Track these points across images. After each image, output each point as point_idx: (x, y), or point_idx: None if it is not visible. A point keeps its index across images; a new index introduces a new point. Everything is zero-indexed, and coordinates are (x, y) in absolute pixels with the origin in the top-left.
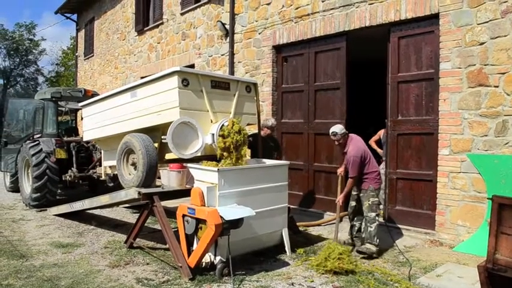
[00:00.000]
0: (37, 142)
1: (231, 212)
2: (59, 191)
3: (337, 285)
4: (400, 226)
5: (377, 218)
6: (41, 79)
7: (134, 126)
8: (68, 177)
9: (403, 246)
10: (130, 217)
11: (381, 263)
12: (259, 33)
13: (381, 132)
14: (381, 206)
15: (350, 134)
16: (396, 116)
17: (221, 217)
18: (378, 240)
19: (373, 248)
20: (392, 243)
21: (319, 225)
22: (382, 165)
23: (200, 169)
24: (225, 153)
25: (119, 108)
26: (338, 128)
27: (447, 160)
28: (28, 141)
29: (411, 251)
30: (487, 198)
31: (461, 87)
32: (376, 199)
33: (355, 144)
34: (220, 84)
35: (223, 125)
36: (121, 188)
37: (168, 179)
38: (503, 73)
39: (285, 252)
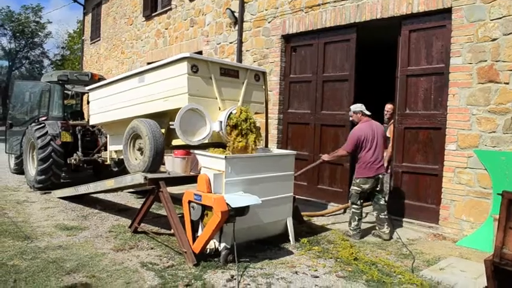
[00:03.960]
0: (43, 125)
1: (238, 199)
2: (63, 174)
3: (340, 275)
4: (404, 219)
5: (353, 206)
6: (46, 62)
7: (141, 112)
8: (73, 160)
9: (406, 239)
10: (135, 202)
11: (384, 255)
12: (269, 22)
13: (392, 128)
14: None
15: (367, 118)
16: (404, 110)
17: (227, 204)
18: (354, 227)
19: (350, 232)
20: (396, 236)
21: (322, 215)
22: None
23: (208, 156)
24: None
25: (126, 93)
26: (353, 106)
27: (454, 155)
28: (33, 124)
29: (414, 243)
30: (497, 194)
31: (471, 82)
32: (354, 188)
33: (359, 125)
34: (229, 72)
35: (231, 112)
36: (125, 173)
37: (173, 165)
38: None
39: (289, 241)
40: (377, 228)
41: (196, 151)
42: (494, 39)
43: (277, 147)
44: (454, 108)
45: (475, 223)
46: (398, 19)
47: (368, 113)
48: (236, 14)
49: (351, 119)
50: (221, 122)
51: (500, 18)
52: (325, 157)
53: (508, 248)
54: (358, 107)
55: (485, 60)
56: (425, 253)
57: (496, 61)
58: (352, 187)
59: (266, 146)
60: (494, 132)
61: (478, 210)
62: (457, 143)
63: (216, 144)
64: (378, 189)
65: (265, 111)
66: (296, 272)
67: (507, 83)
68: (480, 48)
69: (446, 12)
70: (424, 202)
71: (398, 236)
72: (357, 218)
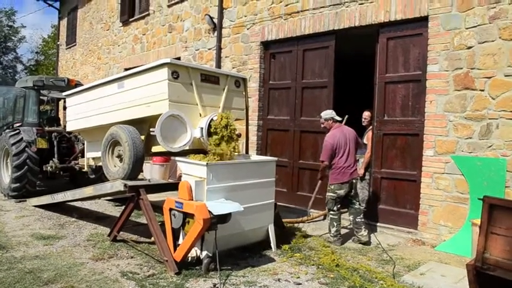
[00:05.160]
0: (17, 131)
1: (220, 206)
2: (39, 181)
3: (323, 282)
4: (383, 225)
5: (331, 212)
6: (19, 67)
7: (120, 118)
8: (49, 167)
9: (386, 244)
10: (113, 210)
11: (365, 261)
12: (248, 29)
13: (370, 134)
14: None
15: (339, 124)
16: (382, 116)
17: (209, 211)
18: (334, 233)
19: (330, 239)
20: (376, 242)
21: (303, 222)
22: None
23: (189, 163)
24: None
25: (105, 99)
26: (323, 112)
27: (431, 161)
28: (8, 130)
29: (394, 249)
30: (478, 199)
31: (447, 89)
32: (330, 194)
33: (331, 132)
34: (209, 78)
35: (212, 119)
36: (103, 180)
37: (151, 172)
38: (489, 77)
39: (271, 248)
40: (355, 232)
41: (177, 158)
42: (469, 47)
43: (257, 154)
44: (431, 114)
45: (453, 228)
46: (376, 27)
47: (339, 118)
48: (215, 20)
49: (322, 126)
50: (202, 128)
51: (475, 26)
52: (319, 177)
53: (490, 253)
54: (329, 113)
55: (461, 68)
56: (406, 258)
57: (472, 68)
58: (327, 194)
59: (247, 152)
60: (470, 138)
61: (455, 215)
62: (434, 149)
63: (197, 150)
64: (352, 194)
65: (245, 117)
66: (279, 280)
67: (482, 90)
68: (456, 56)
69: (423, 20)
70: (402, 208)
71: (378, 241)
72: (335, 224)
